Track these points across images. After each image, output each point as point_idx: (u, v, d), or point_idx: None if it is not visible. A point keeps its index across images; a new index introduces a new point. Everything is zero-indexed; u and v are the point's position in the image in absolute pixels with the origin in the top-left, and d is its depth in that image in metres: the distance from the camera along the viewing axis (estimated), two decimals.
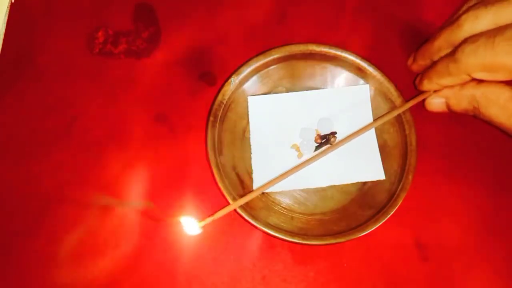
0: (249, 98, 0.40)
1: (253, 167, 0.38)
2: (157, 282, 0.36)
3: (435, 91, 0.37)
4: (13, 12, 0.42)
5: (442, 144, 0.41)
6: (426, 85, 0.37)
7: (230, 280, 0.36)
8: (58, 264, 0.36)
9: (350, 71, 0.41)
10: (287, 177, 0.36)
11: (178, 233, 0.37)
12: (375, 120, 0.39)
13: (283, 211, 0.38)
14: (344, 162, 0.39)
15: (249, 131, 0.39)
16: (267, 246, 0.37)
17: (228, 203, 0.36)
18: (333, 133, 0.39)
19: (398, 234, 0.38)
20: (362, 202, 0.38)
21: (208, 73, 0.42)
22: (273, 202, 0.38)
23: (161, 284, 0.36)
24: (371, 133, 0.40)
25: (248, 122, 0.40)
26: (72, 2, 0.43)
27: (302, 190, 0.38)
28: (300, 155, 0.39)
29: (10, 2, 0.42)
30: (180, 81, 0.41)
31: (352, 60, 0.40)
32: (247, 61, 0.40)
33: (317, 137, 0.38)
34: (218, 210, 0.34)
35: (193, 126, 0.40)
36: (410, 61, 0.40)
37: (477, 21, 0.32)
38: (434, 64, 0.36)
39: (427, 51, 0.37)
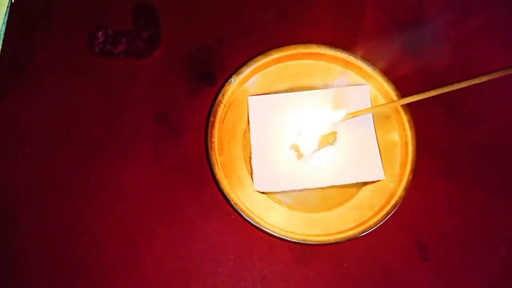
0: (249, 98, 0.40)
1: (253, 167, 0.38)
2: (157, 282, 0.36)
3: None
4: (13, 12, 0.42)
5: (442, 144, 0.40)
6: None
7: (230, 280, 0.36)
8: (59, 264, 0.36)
9: (350, 71, 0.41)
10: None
11: (177, 234, 0.37)
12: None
13: (283, 211, 0.38)
14: (344, 162, 0.39)
15: (249, 131, 0.39)
16: (267, 246, 0.37)
17: (228, 203, 0.36)
18: (333, 133, 0.39)
19: (398, 234, 0.38)
20: (362, 202, 0.38)
21: (208, 73, 0.42)
22: (273, 202, 0.38)
23: (161, 284, 0.36)
24: (371, 133, 0.40)
25: (248, 122, 0.40)
26: (72, 2, 0.43)
27: (302, 190, 0.38)
28: (299, 155, 0.39)
29: (10, 2, 0.42)
30: (180, 81, 0.41)
31: (352, 60, 0.40)
32: (247, 61, 0.40)
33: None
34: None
35: (193, 126, 0.40)
36: None
37: None
38: None
39: None
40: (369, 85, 0.40)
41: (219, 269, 0.36)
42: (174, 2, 0.44)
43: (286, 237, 0.35)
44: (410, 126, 0.38)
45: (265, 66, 0.40)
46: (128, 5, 0.43)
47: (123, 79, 0.41)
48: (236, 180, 0.38)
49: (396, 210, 0.36)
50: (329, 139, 0.39)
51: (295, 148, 0.39)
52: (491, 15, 0.45)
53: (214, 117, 0.38)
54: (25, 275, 0.36)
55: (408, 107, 0.39)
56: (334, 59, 0.40)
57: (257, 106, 0.40)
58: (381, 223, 0.36)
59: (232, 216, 0.37)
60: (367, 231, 0.36)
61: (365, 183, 0.38)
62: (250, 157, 0.39)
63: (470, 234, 0.38)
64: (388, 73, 0.40)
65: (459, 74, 0.43)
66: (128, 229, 0.37)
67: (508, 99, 0.42)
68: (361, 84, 0.41)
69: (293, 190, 0.38)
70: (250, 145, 0.39)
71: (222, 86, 0.39)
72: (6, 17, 0.42)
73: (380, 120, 0.40)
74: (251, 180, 0.38)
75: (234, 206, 0.36)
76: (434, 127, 0.41)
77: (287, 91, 0.41)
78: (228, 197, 0.36)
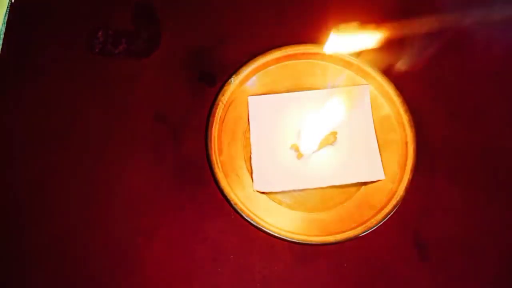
0: (249, 98, 0.40)
1: (253, 167, 0.38)
2: (158, 282, 0.36)
3: None
4: (13, 12, 0.42)
5: (442, 144, 0.40)
6: None
7: (230, 280, 0.36)
8: (59, 264, 0.36)
9: (350, 71, 0.41)
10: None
11: (177, 234, 0.37)
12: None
13: (283, 211, 0.38)
14: (344, 162, 0.39)
15: (249, 131, 0.39)
16: (267, 246, 0.37)
17: (228, 203, 0.36)
18: (333, 133, 0.39)
19: (398, 234, 0.38)
20: (362, 202, 0.38)
21: (208, 73, 0.42)
22: (273, 202, 0.38)
23: (161, 284, 0.36)
24: (371, 133, 0.40)
25: (248, 122, 0.40)
26: (72, 2, 0.43)
27: (302, 190, 0.38)
28: (299, 156, 0.39)
29: (10, 2, 0.42)
30: (180, 81, 0.41)
31: (352, 60, 0.40)
32: (247, 61, 0.40)
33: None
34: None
35: (193, 126, 0.40)
36: None
37: None
38: None
39: None
40: (369, 85, 0.40)
41: (219, 269, 0.36)
42: (174, 2, 0.44)
43: (286, 237, 0.35)
44: (410, 126, 0.38)
45: (265, 66, 0.40)
46: (128, 5, 0.43)
47: (123, 79, 0.41)
48: (236, 180, 0.38)
49: (396, 210, 0.36)
50: (329, 139, 0.39)
51: (295, 148, 0.39)
52: (491, 13, 0.45)
53: (214, 117, 0.38)
54: (25, 275, 0.36)
55: (409, 107, 0.39)
56: (334, 59, 0.40)
57: (257, 106, 0.40)
58: (381, 223, 0.36)
59: (232, 216, 0.37)
60: (367, 231, 0.36)
61: (365, 183, 0.38)
62: (250, 157, 0.39)
63: (470, 234, 0.38)
64: (388, 73, 0.40)
65: (459, 73, 0.43)
66: (128, 229, 0.37)
67: (509, 99, 0.42)
68: (361, 84, 0.41)
69: (293, 190, 0.38)
70: (250, 145, 0.39)
71: (222, 86, 0.39)
72: (6, 17, 0.42)
73: (380, 120, 0.40)
74: (251, 180, 0.38)
75: (234, 206, 0.36)
76: (434, 127, 0.41)
77: (287, 91, 0.41)
78: (228, 197, 0.36)
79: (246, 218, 0.35)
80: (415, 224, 0.38)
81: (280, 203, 0.38)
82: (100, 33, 0.42)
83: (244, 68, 0.39)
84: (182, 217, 0.37)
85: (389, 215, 0.36)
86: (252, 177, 0.38)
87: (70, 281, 0.36)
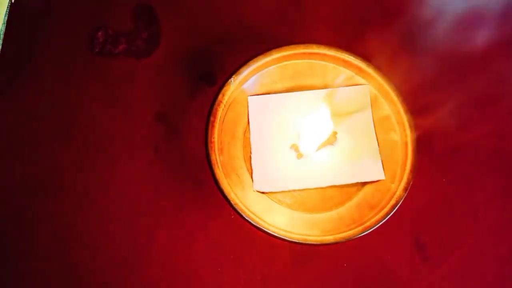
0: (249, 98, 0.40)
1: (253, 167, 0.38)
2: (158, 282, 0.36)
3: None
4: (13, 12, 0.42)
5: (441, 144, 0.41)
6: None
7: (230, 280, 0.36)
8: (59, 264, 0.36)
9: (350, 71, 0.41)
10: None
11: (177, 234, 0.37)
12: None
13: (283, 211, 0.38)
14: (344, 162, 0.39)
15: (249, 131, 0.39)
16: (267, 246, 0.37)
17: (228, 203, 0.36)
18: (333, 133, 0.39)
19: (398, 234, 0.38)
20: (362, 202, 0.38)
21: (208, 73, 0.42)
22: (273, 202, 0.38)
23: (161, 284, 0.36)
24: (371, 134, 0.40)
25: (248, 122, 0.40)
26: (72, 2, 0.43)
27: (302, 190, 0.38)
28: (299, 156, 0.39)
29: (10, 2, 0.42)
30: (180, 81, 0.41)
31: (352, 60, 0.40)
32: (247, 61, 0.40)
33: None
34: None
35: (193, 126, 0.40)
36: None
37: None
38: None
39: None
40: (369, 85, 0.40)
41: (219, 269, 0.36)
42: (174, 2, 0.44)
43: (286, 237, 0.35)
44: (410, 126, 0.38)
45: (265, 66, 0.40)
46: (128, 5, 0.43)
47: (123, 79, 0.41)
48: (236, 180, 0.38)
49: (396, 210, 0.36)
50: (329, 139, 0.39)
51: (295, 148, 0.39)
52: (491, 14, 0.45)
53: (214, 117, 0.38)
54: (25, 275, 0.36)
55: (409, 107, 0.39)
56: (334, 59, 0.40)
57: (257, 106, 0.40)
58: (381, 223, 0.36)
59: (232, 216, 0.37)
60: (367, 231, 0.35)
61: (365, 183, 0.38)
62: (250, 157, 0.39)
63: (470, 234, 0.38)
64: (388, 73, 0.40)
65: (459, 73, 0.43)
66: (128, 229, 0.37)
67: (509, 100, 0.42)
68: (361, 84, 0.41)
69: (293, 190, 0.38)
70: (250, 145, 0.39)
71: (222, 86, 0.39)
72: (6, 17, 0.42)
73: (380, 120, 0.40)
74: (251, 180, 0.38)
75: (234, 206, 0.36)
76: (434, 127, 0.41)
77: (287, 91, 0.41)
78: (228, 197, 0.36)
79: (246, 218, 0.35)
80: (415, 224, 0.38)
81: (280, 203, 0.38)
82: (100, 33, 0.42)
83: (244, 68, 0.39)
84: (182, 217, 0.37)
85: (389, 215, 0.36)
86: (252, 177, 0.38)
87: (70, 281, 0.36)
